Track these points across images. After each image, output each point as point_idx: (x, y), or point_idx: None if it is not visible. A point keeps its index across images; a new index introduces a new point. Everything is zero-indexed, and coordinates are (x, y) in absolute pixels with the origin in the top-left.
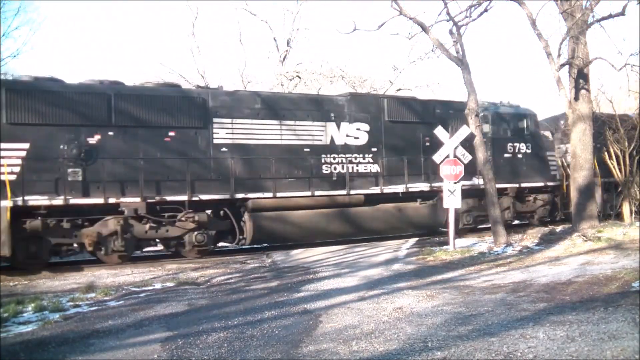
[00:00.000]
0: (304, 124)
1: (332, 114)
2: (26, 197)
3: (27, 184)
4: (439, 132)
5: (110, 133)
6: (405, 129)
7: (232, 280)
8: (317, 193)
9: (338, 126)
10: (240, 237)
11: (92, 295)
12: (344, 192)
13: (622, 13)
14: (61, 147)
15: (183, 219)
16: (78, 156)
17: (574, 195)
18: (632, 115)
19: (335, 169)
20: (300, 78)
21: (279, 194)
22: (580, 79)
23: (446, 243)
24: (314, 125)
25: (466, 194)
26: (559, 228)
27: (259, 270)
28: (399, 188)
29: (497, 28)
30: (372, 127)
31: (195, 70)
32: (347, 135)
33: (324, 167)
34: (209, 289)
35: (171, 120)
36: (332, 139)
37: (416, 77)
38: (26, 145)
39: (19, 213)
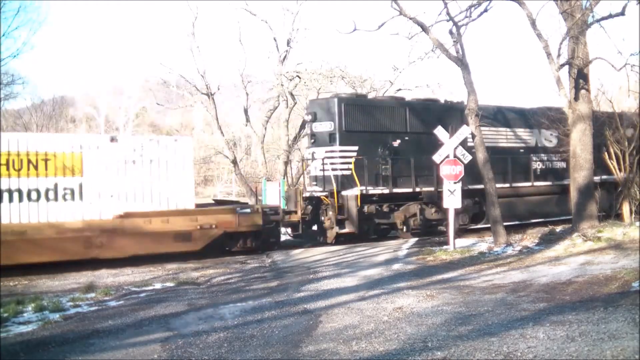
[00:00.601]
0: (521, 130)
1: (535, 123)
2: (367, 188)
3: (359, 177)
4: (439, 132)
5: (406, 138)
6: None
7: (232, 280)
8: (536, 183)
9: (539, 132)
10: (485, 219)
11: (92, 295)
12: (549, 182)
13: (622, 13)
14: (378, 149)
15: None
16: (388, 156)
17: (573, 195)
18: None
19: (538, 165)
20: (300, 78)
21: (513, 184)
22: (580, 79)
23: (446, 243)
24: (526, 132)
25: None
26: (558, 228)
27: (259, 270)
28: None
29: (497, 28)
30: (558, 132)
31: (195, 70)
32: (545, 139)
33: (532, 164)
34: (209, 289)
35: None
36: (536, 142)
37: (416, 77)
38: (356, 148)
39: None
